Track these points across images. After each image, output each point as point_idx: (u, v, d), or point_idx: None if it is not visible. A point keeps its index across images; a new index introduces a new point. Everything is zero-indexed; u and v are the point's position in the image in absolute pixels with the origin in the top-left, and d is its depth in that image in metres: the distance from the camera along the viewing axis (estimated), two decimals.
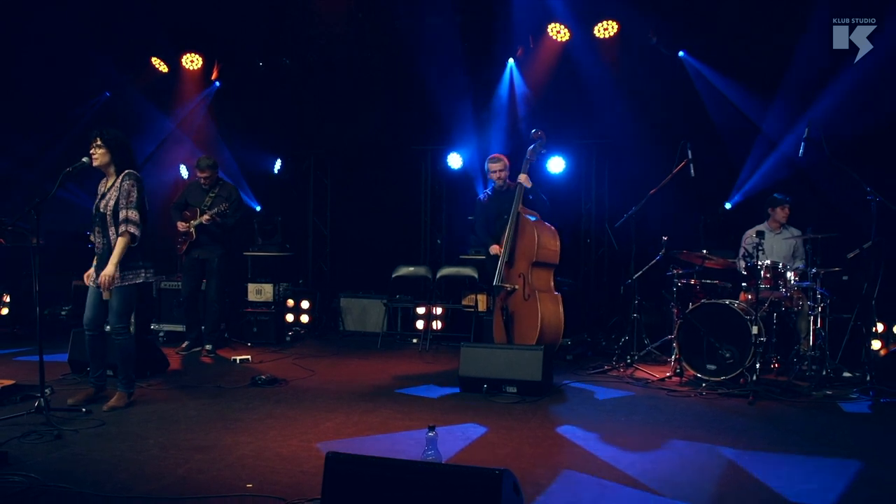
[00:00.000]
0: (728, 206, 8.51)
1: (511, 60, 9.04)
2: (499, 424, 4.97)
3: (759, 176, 8.17)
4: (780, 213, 7.37)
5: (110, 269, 5.01)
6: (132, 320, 7.81)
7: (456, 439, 4.56)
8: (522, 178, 6.65)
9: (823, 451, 4.52)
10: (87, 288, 5.31)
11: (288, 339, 8.64)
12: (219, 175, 7.85)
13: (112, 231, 5.12)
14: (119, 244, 5.04)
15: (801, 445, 4.65)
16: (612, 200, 9.11)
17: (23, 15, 8.80)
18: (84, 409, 5.02)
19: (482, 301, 8.58)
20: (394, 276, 8.84)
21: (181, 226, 7.59)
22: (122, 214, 5.06)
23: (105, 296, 5.13)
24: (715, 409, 5.63)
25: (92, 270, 5.28)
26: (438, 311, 8.72)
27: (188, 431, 4.65)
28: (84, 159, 5.11)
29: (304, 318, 9.40)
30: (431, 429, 3.59)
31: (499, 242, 6.72)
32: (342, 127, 9.90)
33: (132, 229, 5.06)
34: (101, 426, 4.72)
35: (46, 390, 5.00)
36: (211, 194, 7.65)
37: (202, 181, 7.69)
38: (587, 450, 4.47)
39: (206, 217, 7.45)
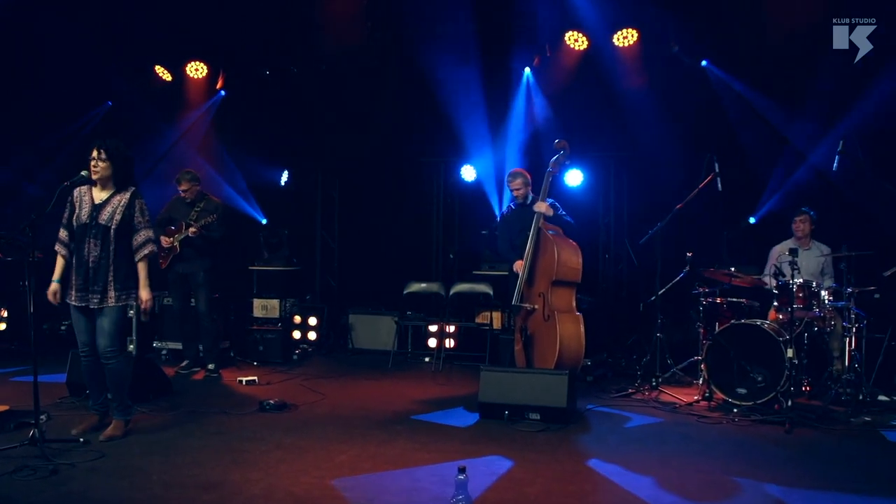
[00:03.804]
0: (752, 220, 8.21)
1: (527, 70, 8.75)
2: (524, 457, 4.65)
3: (786, 189, 7.86)
4: (795, 226, 7.07)
5: (146, 292, 4.96)
6: (133, 338, 7.60)
7: (481, 474, 4.24)
8: (542, 207, 6.30)
9: (877, 490, 4.20)
10: None
11: (295, 357, 8.32)
12: (200, 189, 7.51)
13: (113, 246, 4.86)
14: (145, 265, 4.97)
15: (851, 482, 4.32)
16: (632, 214, 8.82)
17: (23, 24, 8.52)
18: (81, 440, 4.70)
19: (497, 319, 8.28)
20: (405, 292, 8.53)
21: (164, 241, 7.26)
22: (145, 234, 4.98)
23: (144, 317, 5.14)
24: (750, 437, 5.31)
25: (67, 289, 4.96)
26: (451, 328, 8.40)
27: (193, 465, 4.33)
28: (83, 173, 4.85)
29: (312, 335, 9.09)
30: (461, 471, 3.28)
31: (522, 258, 6.42)
32: (351, 137, 9.59)
33: (155, 248, 5.07)
34: (100, 458, 4.40)
35: (42, 416, 4.72)
36: (196, 208, 7.34)
37: (184, 195, 7.37)
38: (622, 487, 4.15)
39: (193, 230, 7.12)
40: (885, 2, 6.86)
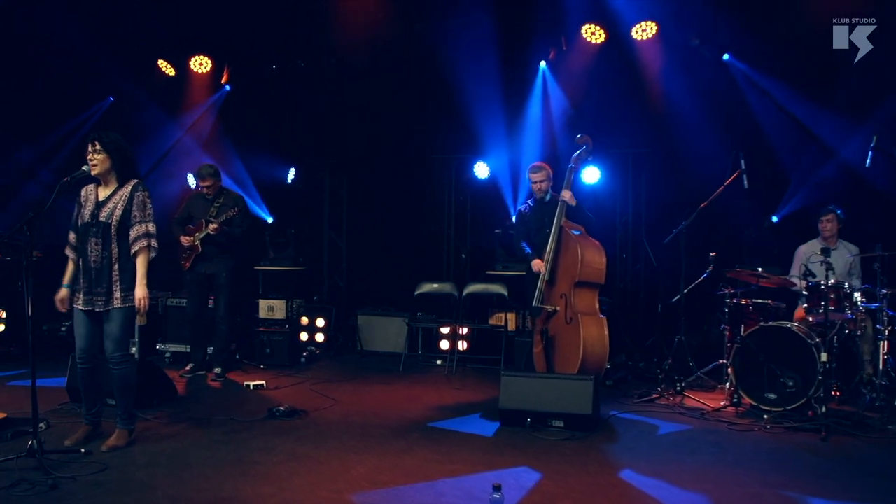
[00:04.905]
0: (774, 219, 7.93)
1: (543, 63, 8.46)
2: (553, 469, 4.39)
3: (811, 186, 7.58)
4: (821, 226, 6.80)
5: (141, 290, 4.58)
6: (136, 340, 7.33)
7: (510, 488, 3.96)
8: (566, 195, 6.08)
9: None
10: None
11: (303, 360, 8.05)
12: (222, 184, 7.29)
13: (115, 244, 4.58)
14: (141, 261, 4.61)
15: None
16: (650, 213, 8.54)
17: (22, 18, 8.25)
18: (83, 451, 4.44)
19: (511, 320, 8.01)
20: (417, 293, 8.25)
21: (185, 240, 7.01)
22: (139, 228, 4.62)
23: (139, 320, 4.66)
24: (786, 446, 5.05)
25: (74, 293, 4.69)
26: (464, 330, 8.12)
27: (201, 479, 4.06)
28: (84, 168, 4.57)
29: (319, 337, 8.81)
30: (497, 489, 3.01)
31: (541, 257, 6.16)
32: (360, 134, 9.33)
33: (154, 243, 4.68)
34: (102, 471, 4.13)
35: (41, 425, 4.46)
36: (216, 204, 7.09)
37: (205, 190, 7.12)
38: (662, 502, 3.88)
39: (213, 226, 6.87)
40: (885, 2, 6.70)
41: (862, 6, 6.77)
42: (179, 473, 4.14)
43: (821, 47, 7.13)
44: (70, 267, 4.76)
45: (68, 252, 4.75)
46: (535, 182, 6.41)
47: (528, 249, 6.39)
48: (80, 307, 4.65)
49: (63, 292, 4.72)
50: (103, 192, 4.69)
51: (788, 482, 4.24)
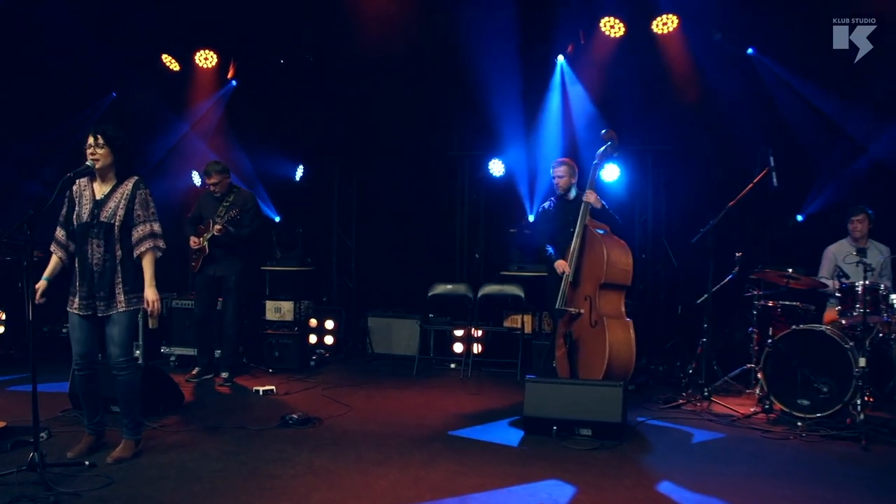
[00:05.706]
0: (799, 218, 7.69)
1: (561, 58, 8.20)
2: (586, 482, 4.13)
3: (838, 184, 7.34)
4: (851, 226, 6.55)
5: (153, 292, 4.34)
6: (140, 343, 7.09)
7: None
8: (591, 197, 5.81)
9: None
10: None
11: (312, 363, 7.80)
12: (231, 181, 7.06)
13: (119, 246, 4.31)
14: (149, 262, 4.37)
15: None
16: (670, 212, 8.28)
17: (22, 11, 7.99)
18: (87, 463, 4.18)
19: (528, 322, 7.75)
20: (430, 294, 8.00)
21: (193, 242, 6.79)
22: (143, 229, 4.37)
23: (152, 324, 4.49)
24: (826, 456, 4.81)
25: (69, 297, 4.40)
26: (478, 333, 7.86)
27: (214, 494, 3.79)
28: (88, 163, 4.29)
29: (329, 340, 8.56)
30: None
31: (563, 257, 5.91)
32: (371, 130, 9.06)
33: (161, 244, 4.43)
34: (108, 486, 3.87)
35: (43, 434, 4.22)
36: (225, 203, 6.86)
37: (212, 188, 6.90)
38: None
39: (217, 227, 6.63)
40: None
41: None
42: (190, 487, 3.88)
43: None
44: (53, 261, 4.45)
45: (54, 248, 4.46)
46: (556, 177, 6.18)
47: (550, 250, 6.14)
48: (76, 312, 4.36)
49: (42, 283, 4.37)
50: (100, 190, 4.40)
51: (835, 496, 4.01)
